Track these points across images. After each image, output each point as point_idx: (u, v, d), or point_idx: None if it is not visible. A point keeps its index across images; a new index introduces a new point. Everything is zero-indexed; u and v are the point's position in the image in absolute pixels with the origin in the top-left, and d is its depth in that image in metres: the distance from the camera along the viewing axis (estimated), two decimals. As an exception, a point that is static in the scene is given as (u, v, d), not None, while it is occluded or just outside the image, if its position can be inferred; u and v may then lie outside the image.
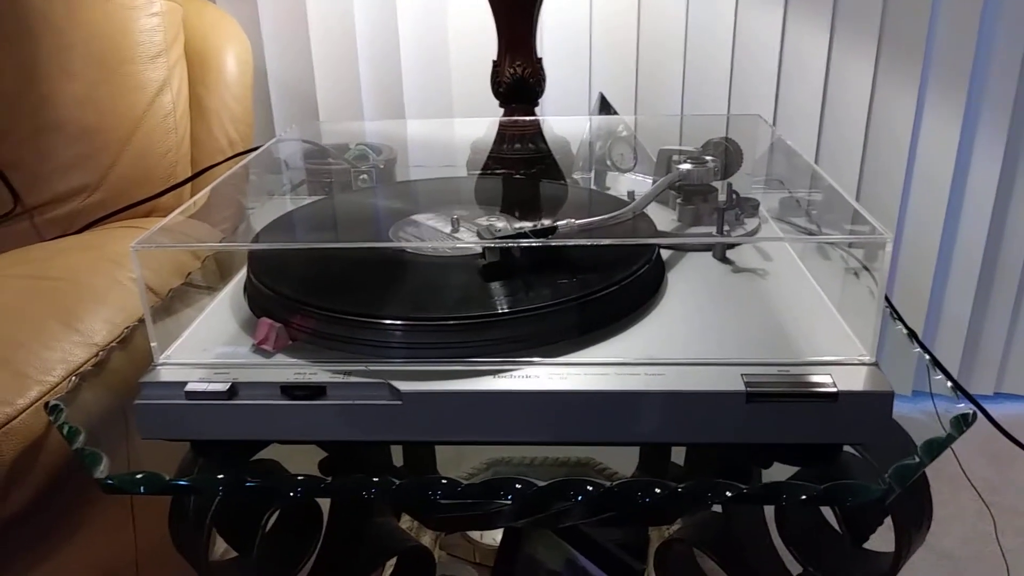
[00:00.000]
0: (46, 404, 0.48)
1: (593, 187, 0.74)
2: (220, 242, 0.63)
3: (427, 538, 0.86)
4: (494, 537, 0.88)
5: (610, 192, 0.72)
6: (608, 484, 0.41)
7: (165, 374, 0.43)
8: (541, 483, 0.41)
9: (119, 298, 0.64)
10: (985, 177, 1.17)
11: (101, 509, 0.63)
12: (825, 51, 1.10)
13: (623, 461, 0.51)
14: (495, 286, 0.47)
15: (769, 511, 0.61)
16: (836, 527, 0.53)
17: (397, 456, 0.49)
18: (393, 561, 0.72)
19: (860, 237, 0.47)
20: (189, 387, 0.42)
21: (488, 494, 0.42)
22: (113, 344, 0.58)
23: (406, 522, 0.83)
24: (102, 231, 0.81)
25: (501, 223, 0.51)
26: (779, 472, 0.44)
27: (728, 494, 0.41)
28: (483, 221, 0.52)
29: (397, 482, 0.42)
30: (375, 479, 0.42)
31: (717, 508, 0.67)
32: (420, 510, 0.61)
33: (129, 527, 0.67)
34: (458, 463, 0.49)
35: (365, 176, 0.70)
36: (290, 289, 0.47)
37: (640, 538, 0.80)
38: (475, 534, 0.89)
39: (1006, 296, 1.25)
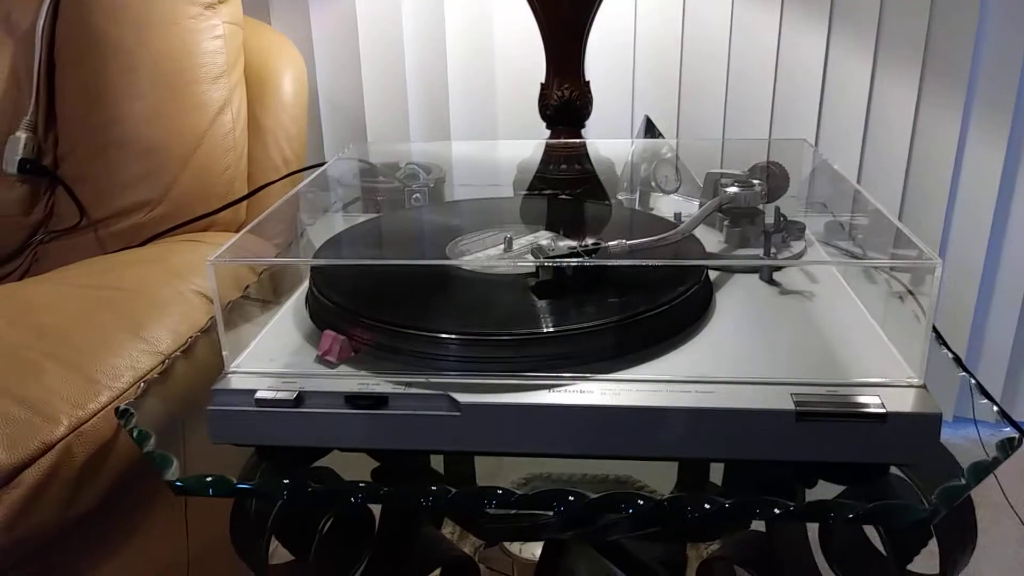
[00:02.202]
0: (116, 409, 0.50)
1: (638, 207, 0.76)
2: (279, 256, 0.66)
3: (468, 547, 0.88)
4: (533, 552, 0.89)
5: (655, 213, 0.74)
6: (658, 498, 0.43)
7: (236, 382, 0.46)
8: (592, 495, 0.43)
9: (182, 309, 0.67)
10: (1030, 202, 1.17)
11: (158, 512, 0.66)
12: (868, 75, 1.11)
13: (661, 480, 0.52)
14: (550, 304, 0.49)
15: (812, 530, 0.62)
16: (880, 548, 0.54)
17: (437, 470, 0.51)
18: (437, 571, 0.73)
19: (909, 262, 0.48)
20: (259, 395, 0.44)
21: (541, 505, 0.43)
22: (177, 353, 0.61)
23: (447, 531, 0.85)
24: (164, 244, 0.84)
25: (553, 242, 0.52)
26: (823, 491, 0.45)
27: (776, 511, 0.42)
28: (536, 240, 0.54)
29: (453, 490, 0.44)
30: (433, 487, 0.44)
31: (759, 527, 0.68)
32: (470, 519, 0.63)
33: (182, 530, 0.69)
34: (496, 477, 0.51)
35: (418, 195, 0.73)
36: (354, 303, 0.49)
37: (678, 556, 0.81)
38: (514, 548, 0.90)
39: (1051, 322, 1.24)
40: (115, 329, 0.62)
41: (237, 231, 0.91)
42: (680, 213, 0.66)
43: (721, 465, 0.48)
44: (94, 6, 0.85)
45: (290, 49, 1.02)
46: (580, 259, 0.50)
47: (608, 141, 0.84)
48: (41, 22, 0.87)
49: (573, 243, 0.53)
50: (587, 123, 0.83)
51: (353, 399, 0.44)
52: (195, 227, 0.86)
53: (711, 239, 0.62)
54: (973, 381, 0.52)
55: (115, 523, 0.61)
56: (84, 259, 0.78)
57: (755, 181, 0.61)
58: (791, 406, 0.41)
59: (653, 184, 0.77)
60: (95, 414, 0.55)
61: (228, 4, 0.90)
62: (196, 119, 0.86)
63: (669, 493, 0.46)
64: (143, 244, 0.84)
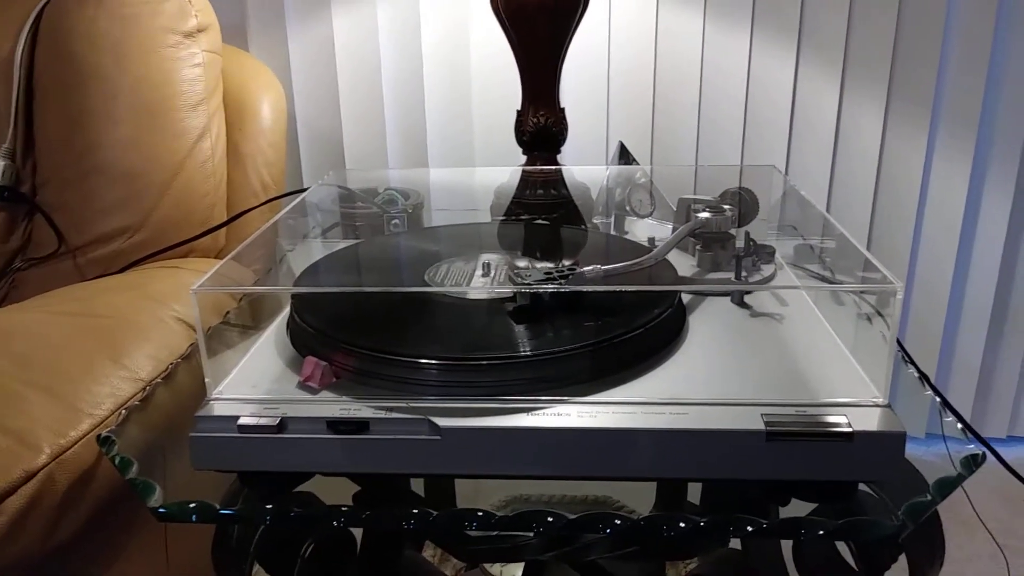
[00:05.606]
0: (98, 436, 0.51)
1: (613, 232, 0.78)
2: (259, 283, 0.66)
3: (449, 570, 0.88)
4: (514, 573, 0.89)
5: (630, 237, 0.75)
6: (635, 518, 0.44)
7: (219, 408, 0.46)
8: (571, 516, 0.44)
9: (162, 335, 0.68)
10: (995, 220, 1.20)
11: (140, 538, 0.66)
12: (836, 100, 1.14)
13: (639, 500, 0.53)
14: (528, 328, 0.50)
15: (786, 548, 0.63)
16: (852, 564, 0.55)
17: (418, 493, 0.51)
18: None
19: (871, 286, 0.50)
20: (241, 421, 0.45)
21: (521, 526, 0.44)
22: (158, 380, 0.61)
23: (428, 554, 0.85)
24: (143, 271, 0.84)
25: (530, 268, 0.53)
26: (797, 509, 0.46)
27: (749, 528, 0.43)
28: (514, 266, 0.55)
29: (434, 513, 0.44)
30: (414, 510, 0.44)
31: (736, 545, 0.69)
32: (451, 541, 0.63)
33: (163, 555, 0.69)
34: (476, 499, 0.51)
35: (397, 221, 0.74)
36: (334, 329, 0.50)
37: (658, 575, 0.81)
38: (495, 569, 0.90)
39: (1018, 340, 1.27)
40: (95, 356, 0.63)
41: (217, 257, 0.92)
42: (654, 237, 0.68)
43: (699, 484, 0.49)
44: (73, 34, 0.86)
45: (268, 76, 1.03)
46: (556, 285, 0.51)
47: (584, 168, 0.86)
48: (19, 50, 0.87)
49: (550, 267, 0.54)
50: (563, 149, 0.84)
51: (335, 424, 0.45)
52: (174, 253, 0.87)
53: (684, 263, 0.64)
54: (939, 400, 0.54)
55: (97, 549, 0.61)
56: (63, 286, 0.78)
57: (726, 206, 0.63)
58: (761, 426, 0.43)
59: (628, 208, 0.78)
60: (76, 442, 0.56)
61: (207, 33, 0.91)
62: (175, 146, 0.87)
63: (647, 512, 0.47)
64: (122, 271, 0.84)
